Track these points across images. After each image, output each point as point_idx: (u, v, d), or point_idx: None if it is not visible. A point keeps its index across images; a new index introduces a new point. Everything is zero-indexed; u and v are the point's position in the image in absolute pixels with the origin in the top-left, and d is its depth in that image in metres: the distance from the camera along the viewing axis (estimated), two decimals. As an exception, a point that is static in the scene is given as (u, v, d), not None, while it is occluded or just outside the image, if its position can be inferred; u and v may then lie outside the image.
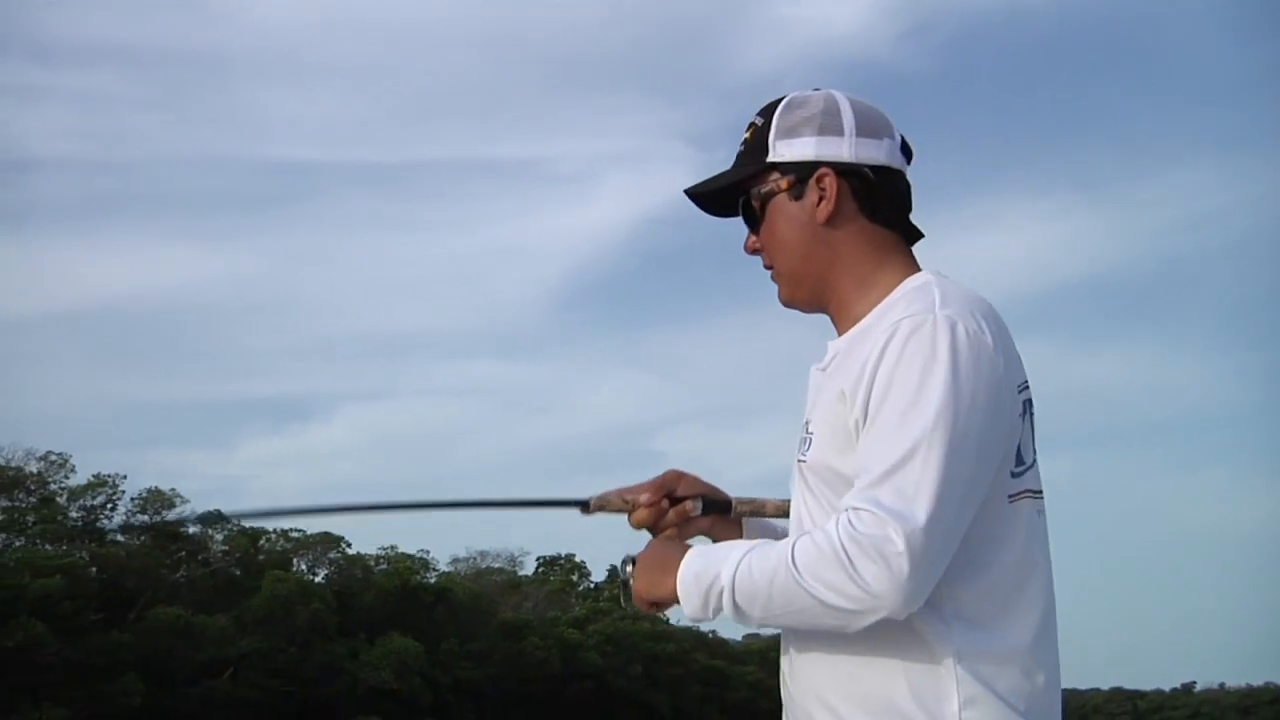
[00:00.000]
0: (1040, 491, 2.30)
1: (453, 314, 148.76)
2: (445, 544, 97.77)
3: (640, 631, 67.11)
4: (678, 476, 2.59)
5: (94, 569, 46.14)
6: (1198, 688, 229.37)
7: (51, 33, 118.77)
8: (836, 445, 2.22)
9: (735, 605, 2.15)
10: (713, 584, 2.17)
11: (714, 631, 78.69)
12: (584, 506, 2.66)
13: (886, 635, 2.09)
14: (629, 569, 2.46)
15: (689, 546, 2.36)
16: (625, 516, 2.60)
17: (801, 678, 2.28)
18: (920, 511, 1.98)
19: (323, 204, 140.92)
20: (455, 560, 69.16)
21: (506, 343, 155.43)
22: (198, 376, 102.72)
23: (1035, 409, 2.32)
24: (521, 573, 75.83)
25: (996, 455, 2.16)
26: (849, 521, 2.01)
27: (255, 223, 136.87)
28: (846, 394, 2.19)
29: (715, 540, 2.53)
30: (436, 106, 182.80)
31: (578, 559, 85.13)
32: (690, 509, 2.54)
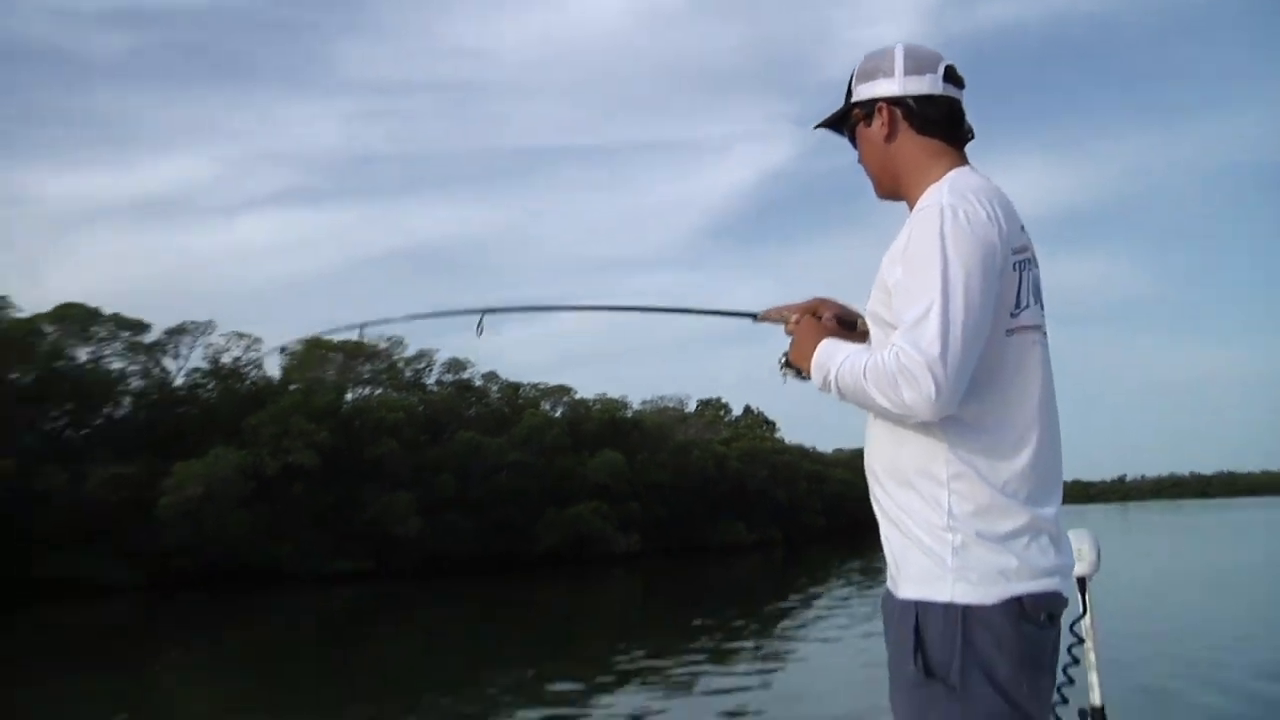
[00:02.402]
0: (1038, 326, 2.13)
1: (640, 243, 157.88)
2: (637, 391, 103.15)
3: (766, 448, 69.06)
4: (821, 301, 2.46)
5: (421, 408, 48.42)
6: (1127, 478, 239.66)
7: (382, 74, 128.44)
8: (880, 299, 2.12)
9: (838, 390, 2.10)
10: (827, 372, 2.12)
11: (814, 446, 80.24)
12: (754, 317, 2.55)
13: (908, 426, 2.05)
14: (783, 359, 2.35)
15: (828, 334, 2.25)
16: (782, 326, 2.45)
17: (867, 455, 2.20)
18: (936, 349, 1.92)
19: (554, 174, 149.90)
20: (644, 402, 68.84)
21: (676, 260, 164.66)
22: (478, 286, 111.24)
23: (1038, 268, 2.16)
24: (687, 409, 74.81)
25: (992, 302, 2.01)
26: (896, 355, 1.96)
27: (509, 188, 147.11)
28: (885, 265, 2.11)
29: None
30: (626, 105, 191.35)
31: (724, 400, 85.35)
32: (827, 325, 2.36)
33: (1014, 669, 1.97)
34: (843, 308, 2.46)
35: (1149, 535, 54.58)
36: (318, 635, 23.69)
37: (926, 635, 2.00)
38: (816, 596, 26.39)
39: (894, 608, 2.10)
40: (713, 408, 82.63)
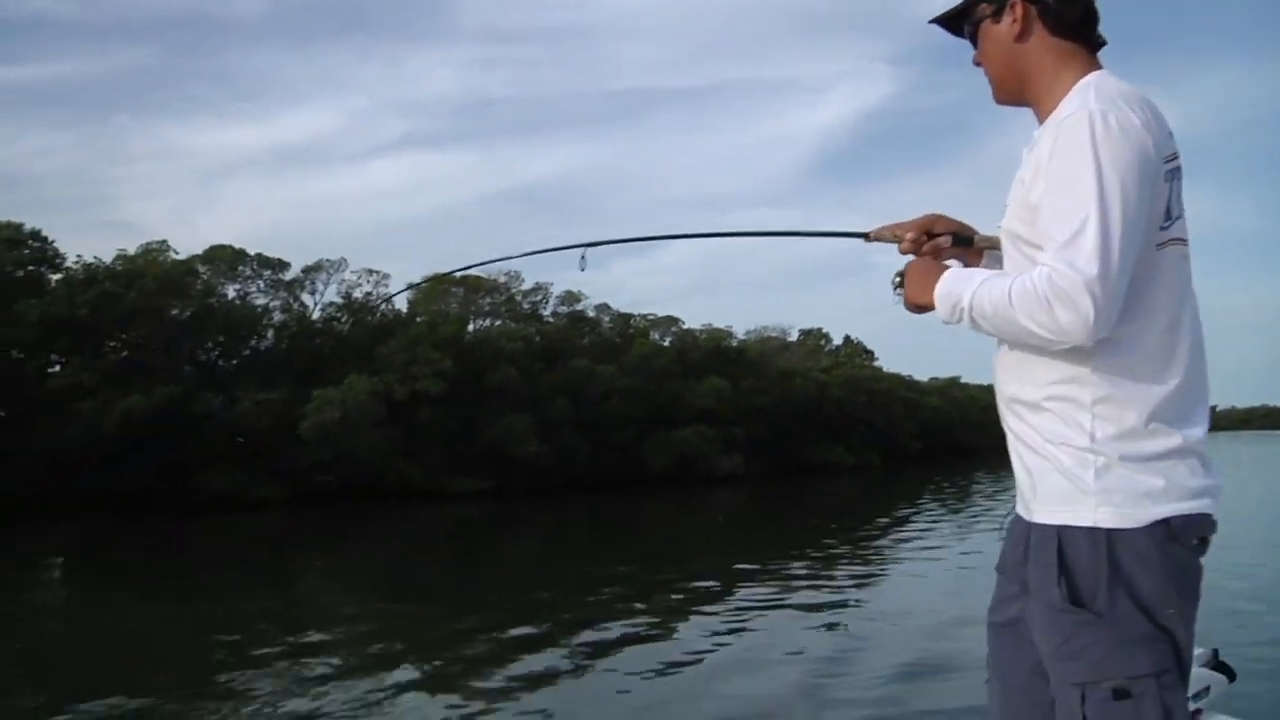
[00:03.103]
0: (1185, 239, 1.93)
1: (740, 180, 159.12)
2: (741, 321, 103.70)
3: (865, 375, 68.19)
4: (936, 218, 2.24)
5: (538, 337, 49.06)
6: (1218, 408, 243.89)
7: (497, 22, 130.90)
8: (1019, 216, 1.94)
9: (971, 319, 1.91)
10: (958, 301, 1.92)
11: (911, 375, 78.40)
12: (865, 237, 2.31)
13: (1048, 351, 1.88)
14: (897, 279, 2.14)
15: (946, 267, 2.05)
16: (895, 246, 2.25)
17: (998, 381, 2.05)
18: (1095, 268, 1.74)
19: (657, 115, 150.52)
20: (748, 331, 67.01)
21: (774, 196, 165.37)
22: (589, 224, 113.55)
23: (1183, 176, 1.94)
24: (790, 339, 73.77)
25: (1145, 214, 1.82)
26: (1049, 276, 1.77)
27: (616, 129, 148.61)
28: (1026, 180, 1.92)
29: (965, 264, 2.18)
30: (724, 48, 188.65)
31: (824, 330, 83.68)
32: (942, 243, 2.20)
33: (1160, 593, 1.84)
34: (959, 224, 2.26)
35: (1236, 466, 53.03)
36: (446, 544, 25.04)
37: (1071, 561, 1.87)
38: (913, 514, 26.87)
39: (1028, 532, 1.97)
40: (814, 337, 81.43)
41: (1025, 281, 1.83)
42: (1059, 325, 1.79)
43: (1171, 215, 1.90)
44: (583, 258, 2.82)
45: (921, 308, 2.07)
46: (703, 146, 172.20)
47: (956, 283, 1.97)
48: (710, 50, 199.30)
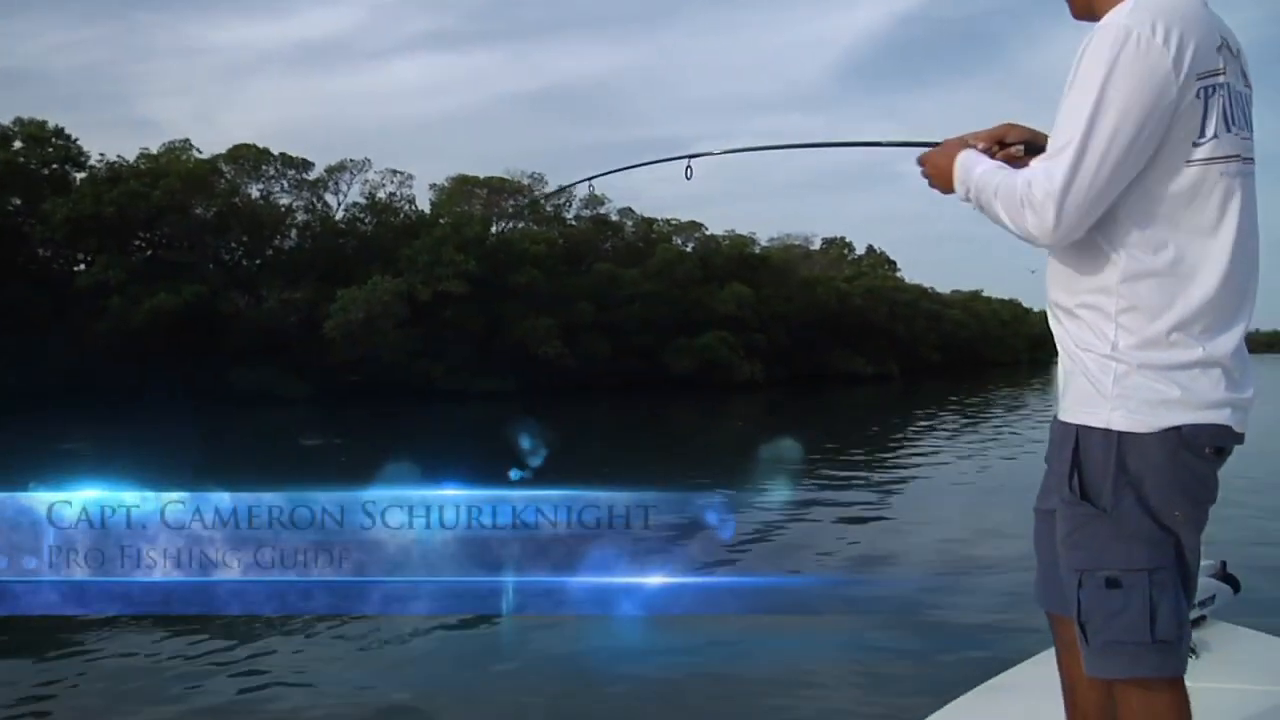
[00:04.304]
0: (1232, 156, 1.89)
1: (769, 83, 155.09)
2: (764, 229, 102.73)
3: (887, 285, 68.01)
4: (1009, 127, 2.19)
5: (561, 240, 49.46)
6: (1260, 330, 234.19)
7: None
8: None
9: (978, 203, 1.99)
10: (966, 177, 2.02)
11: (933, 287, 77.93)
12: (938, 146, 2.22)
13: (1084, 254, 1.93)
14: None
15: (966, 147, 2.10)
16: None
17: (1046, 286, 2.06)
18: (1063, 180, 1.80)
19: (685, 17, 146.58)
20: (771, 239, 68.06)
21: (803, 101, 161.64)
22: (615, 126, 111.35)
23: (1249, 88, 1.95)
24: (813, 247, 74.65)
25: (1154, 135, 1.82)
26: (1028, 180, 1.86)
27: (644, 30, 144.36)
28: (1065, 89, 1.90)
29: None
30: None
31: (847, 239, 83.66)
32: (1015, 152, 2.14)
33: (1167, 496, 1.90)
34: (1032, 132, 2.19)
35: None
36: (472, 440, 25.42)
37: (1083, 459, 1.95)
38: (931, 423, 27.04)
39: (1057, 431, 2.06)
40: (837, 246, 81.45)
41: (1013, 179, 1.92)
42: (1023, 227, 1.89)
43: (1206, 133, 1.87)
44: (688, 168, 2.90)
45: (941, 182, 2.14)
46: (734, 49, 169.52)
47: (965, 166, 2.06)
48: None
